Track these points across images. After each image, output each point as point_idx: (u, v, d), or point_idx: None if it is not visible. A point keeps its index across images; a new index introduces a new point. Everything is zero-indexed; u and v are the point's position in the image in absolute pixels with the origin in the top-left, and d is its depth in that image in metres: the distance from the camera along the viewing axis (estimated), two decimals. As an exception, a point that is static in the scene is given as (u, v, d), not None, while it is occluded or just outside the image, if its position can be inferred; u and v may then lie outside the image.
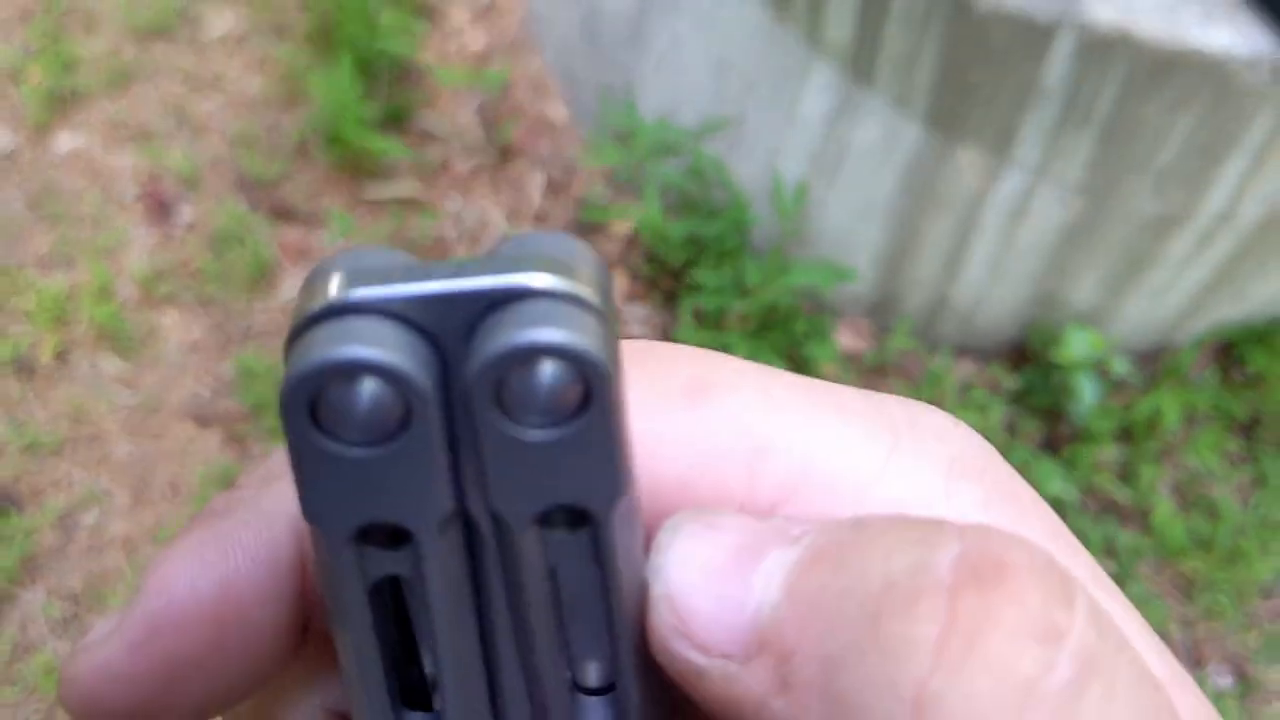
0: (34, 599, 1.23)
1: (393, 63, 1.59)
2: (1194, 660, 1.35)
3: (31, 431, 1.32)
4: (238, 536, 0.22)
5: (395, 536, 0.20)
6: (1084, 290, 1.38)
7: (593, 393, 0.18)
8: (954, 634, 0.18)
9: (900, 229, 1.36)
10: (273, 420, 1.35)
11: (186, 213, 1.50)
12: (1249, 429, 1.50)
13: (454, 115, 1.59)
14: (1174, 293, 1.39)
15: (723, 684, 0.19)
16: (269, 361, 1.39)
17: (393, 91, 1.58)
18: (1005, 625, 0.18)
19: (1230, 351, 1.52)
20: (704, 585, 0.20)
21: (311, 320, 0.18)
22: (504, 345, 0.18)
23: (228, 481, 1.31)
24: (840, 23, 1.20)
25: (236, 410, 1.36)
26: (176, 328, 1.41)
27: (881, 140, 1.28)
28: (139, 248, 1.46)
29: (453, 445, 0.19)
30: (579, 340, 0.18)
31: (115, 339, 1.38)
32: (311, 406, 0.18)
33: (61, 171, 1.52)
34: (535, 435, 0.19)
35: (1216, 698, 1.33)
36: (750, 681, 0.19)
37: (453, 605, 0.20)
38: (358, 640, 0.20)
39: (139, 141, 1.55)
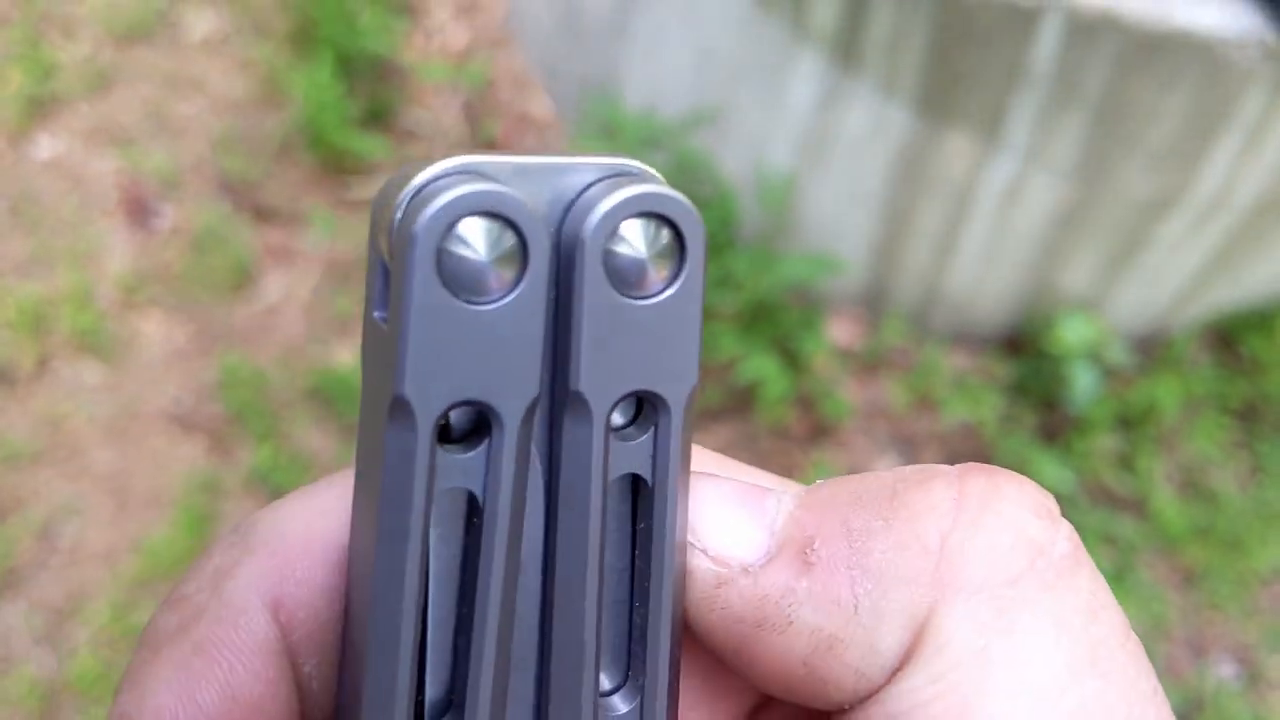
0: (15, 611, 1.21)
1: (374, 61, 1.57)
2: (1196, 650, 1.34)
3: (11, 441, 1.30)
4: (218, 637, 0.20)
5: (471, 432, 0.20)
6: (1078, 276, 1.36)
7: (687, 255, 0.20)
8: (968, 498, 0.21)
9: (891, 217, 1.35)
10: (256, 425, 1.33)
11: (168, 216, 1.48)
12: (1247, 415, 1.48)
13: (437, 113, 1.57)
14: (1169, 277, 1.37)
15: (745, 589, 0.21)
16: (252, 365, 1.37)
17: (374, 90, 1.57)
18: (1011, 497, 0.21)
19: (1227, 337, 1.50)
20: (722, 509, 0.22)
21: (434, 178, 0.18)
22: (620, 200, 0.19)
23: (211, 489, 1.29)
24: (825, 9, 1.18)
25: (220, 415, 1.34)
26: (158, 332, 1.39)
27: (870, 127, 1.26)
28: (119, 252, 1.44)
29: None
30: (682, 202, 0.19)
31: (96, 345, 1.36)
32: (437, 255, 0.18)
33: (40, 177, 1.50)
34: (634, 302, 0.20)
35: (1219, 688, 1.31)
36: (774, 575, 0.21)
37: (509, 533, 0.20)
38: (405, 557, 0.19)
39: (119, 145, 1.53)
